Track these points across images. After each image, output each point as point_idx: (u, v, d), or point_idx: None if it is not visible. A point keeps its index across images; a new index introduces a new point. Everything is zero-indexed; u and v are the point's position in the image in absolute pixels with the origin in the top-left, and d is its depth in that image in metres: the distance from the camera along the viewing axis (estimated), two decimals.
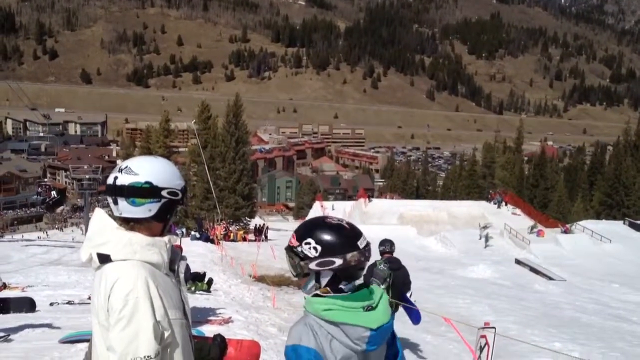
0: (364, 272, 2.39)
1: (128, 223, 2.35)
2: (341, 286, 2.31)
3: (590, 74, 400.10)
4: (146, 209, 2.33)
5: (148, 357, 2.16)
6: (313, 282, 2.33)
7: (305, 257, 2.30)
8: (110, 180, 2.35)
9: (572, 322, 14.90)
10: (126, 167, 2.35)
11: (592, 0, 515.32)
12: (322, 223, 2.35)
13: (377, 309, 2.30)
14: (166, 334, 2.25)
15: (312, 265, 2.29)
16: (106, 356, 2.23)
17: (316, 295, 2.32)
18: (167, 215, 2.41)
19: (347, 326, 2.22)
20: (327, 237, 2.28)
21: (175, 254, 2.48)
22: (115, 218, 2.39)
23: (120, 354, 2.15)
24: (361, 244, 2.27)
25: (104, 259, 2.28)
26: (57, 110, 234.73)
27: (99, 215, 2.41)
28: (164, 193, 2.35)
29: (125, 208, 2.33)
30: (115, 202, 2.34)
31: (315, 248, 2.27)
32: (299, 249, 2.31)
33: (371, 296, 2.34)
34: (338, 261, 2.26)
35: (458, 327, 11.58)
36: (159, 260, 2.33)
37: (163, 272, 2.36)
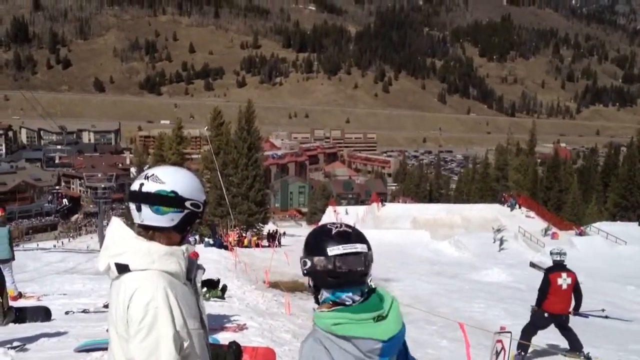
0: (348, 281, 2.24)
1: (148, 231, 2.33)
2: (343, 298, 2.23)
3: (603, 75, 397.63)
4: (169, 218, 2.31)
5: None
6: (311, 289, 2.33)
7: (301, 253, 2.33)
8: (135, 187, 2.33)
9: (588, 325, 14.80)
10: (152, 175, 2.33)
11: (603, 1, 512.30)
12: (321, 226, 2.36)
13: (388, 319, 2.21)
14: (185, 344, 2.23)
15: (300, 263, 2.29)
16: None
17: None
18: (187, 226, 2.38)
19: (358, 339, 2.14)
20: (310, 237, 2.31)
21: (192, 263, 2.44)
22: (134, 226, 2.38)
23: None
24: (332, 251, 2.20)
25: (122, 268, 2.25)
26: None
27: (116, 224, 2.38)
28: (187, 204, 2.32)
29: (148, 216, 2.30)
30: (139, 209, 2.31)
31: (304, 247, 2.30)
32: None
33: (381, 305, 2.25)
34: (308, 262, 2.24)
35: (474, 332, 11.52)
36: (177, 270, 2.30)
37: (181, 281, 2.33)
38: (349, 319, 2.16)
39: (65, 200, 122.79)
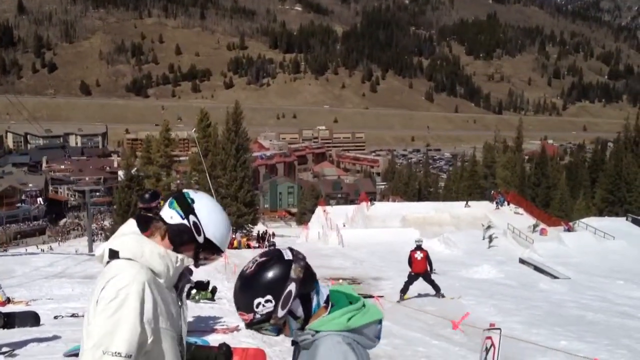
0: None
1: (158, 222, 2.40)
2: (323, 292, 2.17)
3: (588, 71, 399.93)
4: (169, 214, 2.37)
5: (118, 353, 2.08)
6: (295, 321, 2.13)
7: (269, 317, 2.08)
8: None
9: (578, 320, 14.87)
10: (198, 190, 2.47)
11: None
12: (247, 278, 2.10)
13: (367, 301, 2.18)
14: (149, 339, 2.19)
15: (282, 314, 2.06)
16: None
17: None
18: (180, 240, 2.36)
19: (366, 328, 2.09)
20: (265, 283, 2.06)
21: (185, 277, 2.47)
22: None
23: (95, 343, 2.10)
24: (288, 255, 2.12)
25: (113, 254, 2.29)
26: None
27: (129, 221, 2.45)
28: (191, 218, 2.34)
29: (165, 205, 2.42)
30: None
31: (269, 301, 2.05)
32: (257, 316, 2.07)
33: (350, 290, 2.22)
34: (292, 286, 2.06)
35: (464, 329, 11.57)
36: (163, 271, 2.30)
37: (164, 284, 2.32)
38: (354, 310, 2.09)
39: (39, 200, 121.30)
